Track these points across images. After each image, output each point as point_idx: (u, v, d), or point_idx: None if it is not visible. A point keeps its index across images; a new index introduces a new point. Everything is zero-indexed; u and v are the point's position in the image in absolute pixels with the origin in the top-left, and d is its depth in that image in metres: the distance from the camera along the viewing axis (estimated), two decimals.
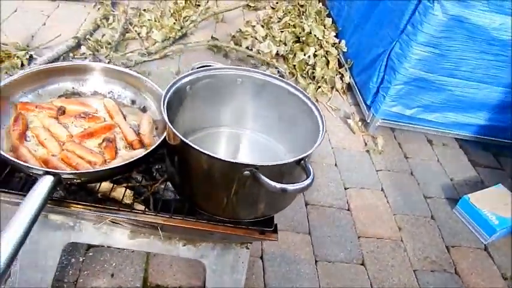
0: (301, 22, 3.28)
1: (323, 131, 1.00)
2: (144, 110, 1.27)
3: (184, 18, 3.08)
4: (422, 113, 2.51)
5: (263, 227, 1.07)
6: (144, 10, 3.12)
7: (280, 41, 3.15)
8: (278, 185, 0.89)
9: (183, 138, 0.92)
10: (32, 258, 1.34)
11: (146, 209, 1.06)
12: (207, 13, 3.10)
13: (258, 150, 1.18)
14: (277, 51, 3.06)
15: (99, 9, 3.08)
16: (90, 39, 2.63)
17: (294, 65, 2.96)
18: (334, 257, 1.81)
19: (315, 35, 3.03)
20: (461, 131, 2.62)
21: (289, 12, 3.42)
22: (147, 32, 2.86)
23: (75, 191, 1.15)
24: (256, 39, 3.13)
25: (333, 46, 3.07)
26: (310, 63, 2.93)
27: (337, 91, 2.92)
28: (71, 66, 1.26)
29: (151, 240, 1.35)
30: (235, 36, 3.12)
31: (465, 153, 2.62)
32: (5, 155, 0.93)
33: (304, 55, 2.97)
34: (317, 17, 3.36)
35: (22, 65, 2.35)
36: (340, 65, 3.01)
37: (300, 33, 3.18)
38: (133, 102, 1.29)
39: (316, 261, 1.77)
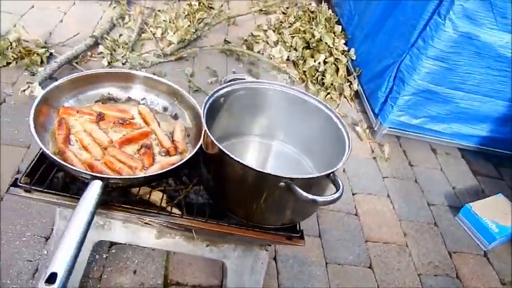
0: (311, 28, 3.35)
1: (349, 148, 1.08)
2: (175, 117, 1.34)
3: (198, 20, 3.14)
4: (428, 123, 2.61)
5: (288, 232, 1.15)
6: (159, 11, 3.17)
7: (291, 46, 3.22)
8: (310, 196, 0.96)
9: (223, 149, 0.99)
10: None
11: (184, 214, 1.13)
12: (221, 17, 3.16)
13: (285, 161, 1.25)
14: (288, 56, 3.14)
15: (114, 7, 3.13)
16: (107, 39, 2.68)
17: (304, 71, 3.04)
18: (343, 260, 1.89)
19: (326, 43, 3.10)
20: (464, 141, 2.72)
21: (300, 18, 3.50)
22: (162, 33, 2.92)
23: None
24: (267, 43, 3.21)
25: (342, 54, 3.15)
26: (320, 69, 3.01)
27: (345, 98, 3.01)
28: (110, 73, 1.33)
29: (177, 240, 1.42)
30: (248, 40, 3.19)
31: (467, 162, 2.72)
32: (58, 160, 0.99)
33: (315, 61, 3.05)
34: (327, 23, 3.44)
35: (42, 62, 2.40)
36: (349, 73, 3.09)
37: (310, 39, 3.26)
38: (165, 109, 1.36)
39: (326, 263, 1.86)
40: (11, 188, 1.04)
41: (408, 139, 2.73)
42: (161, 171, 1.03)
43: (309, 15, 3.60)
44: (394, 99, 2.53)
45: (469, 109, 2.52)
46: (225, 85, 1.17)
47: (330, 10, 3.69)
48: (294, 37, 3.28)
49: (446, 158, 2.72)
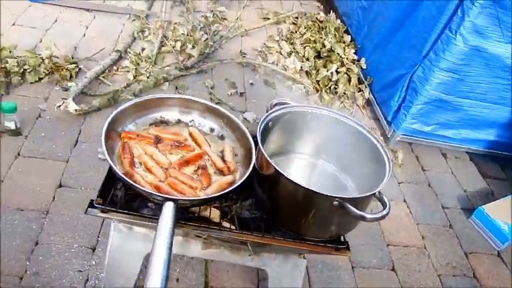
0: (321, 38, 3.47)
1: (390, 170, 1.19)
2: (222, 138, 1.45)
3: (213, 32, 3.25)
4: (439, 130, 2.74)
5: (335, 244, 1.27)
6: (175, 23, 3.27)
7: (303, 56, 3.34)
8: (359, 213, 1.09)
9: (280, 171, 1.10)
10: (117, 266, 1.51)
11: (237, 228, 1.24)
12: (237, 29, 3.27)
13: (327, 179, 1.37)
14: (301, 67, 3.25)
15: (133, 20, 3.22)
16: (130, 53, 2.78)
17: (318, 81, 3.16)
18: (368, 264, 2.02)
19: (338, 53, 3.22)
20: (472, 146, 2.87)
21: (310, 28, 3.61)
22: (181, 45, 3.02)
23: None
24: (281, 54, 3.32)
25: (352, 63, 3.27)
26: (333, 79, 3.13)
27: (357, 106, 3.13)
28: (164, 98, 1.43)
29: (221, 250, 1.54)
30: (262, 51, 3.30)
31: (476, 165, 2.87)
32: (135, 184, 1.10)
33: (327, 71, 3.17)
34: (336, 33, 3.56)
35: (71, 77, 2.49)
36: (359, 81, 3.22)
37: (321, 48, 3.38)
38: (211, 130, 1.47)
39: (352, 268, 1.98)
40: (88, 209, 1.15)
41: (419, 145, 2.86)
42: (227, 191, 1.14)
43: (318, 25, 3.72)
44: (407, 108, 2.66)
45: (478, 116, 2.66)
46: (273, 110, 1.29)
47: (339, 20, 3.81)
48: (305, 47, 3.40)
49: (456, 162, 2.86)
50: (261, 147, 1.16)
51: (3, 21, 2.84)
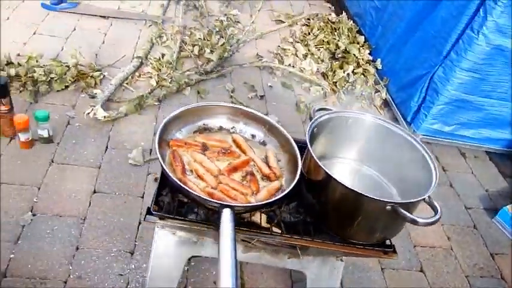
0: (335, 39, 3.50)
1: (437, 175, 1.22)
2: (263, 143, 1.48)
3: (229, 36, 3.27)
4: (459, 130, 2.77)
5: (382, 247, 1.30)
6: (191, 28, 3.30)
7: (318, 57, 3.36)
8: (412, 217, 1.11)
9: (333, 176, 1.12)
10: (161, 269, 1.54)
11: (283, 232, 1.27)
12: (253, 33, 3.29)
13: (370, 183, 1.39)
14: (318, 68, 3.28)
15: (150, 26, 3.24)
16: (151, 59, 2.80)
17: (334, 82, 3.18)
18: (397, 265, 2.04)
19: (354, 54, 3.25)
20: (492, 145, 2.90)
21: (323, 30, 3.64)
22: (199, 50, 3.04)
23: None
24: (296, 56, 3.35)
25: (368, 63, 3.30)
26: (350, 80, 3.15)
27: (375, 106, 3.16)
28: (207, 106, 1.46)
29: (261, 253, 1.56)
30: (278, 53, 3.33)
31: (495, 165, 2.89)
32: (193, 191, 1.13)
33: (344, 72, 3.19)
34: (349, 34, 3.58)
35: (95, 84, 2.52)
36: (375, 82, 3.24)
37: (335, 50, 3.40)
38: (253, 136, 1.49)
39: (382, 269, 2.01)
40: (147, 216, 1.17)
41: (438, 145, 2.89)
42: (280, 196, 1.17)
43: (330, 26, 3.74)
44: (428, 109, 2.69)
45: (499, 115, 2.69)
46: (318, 115, 1.31)
47: (351, 20, 3.83)
48: (319, 49, 3.43)
49: (475, 162, 2.88)
50: (312, 153, 1.18)
51: (25, 31, 2.87)
